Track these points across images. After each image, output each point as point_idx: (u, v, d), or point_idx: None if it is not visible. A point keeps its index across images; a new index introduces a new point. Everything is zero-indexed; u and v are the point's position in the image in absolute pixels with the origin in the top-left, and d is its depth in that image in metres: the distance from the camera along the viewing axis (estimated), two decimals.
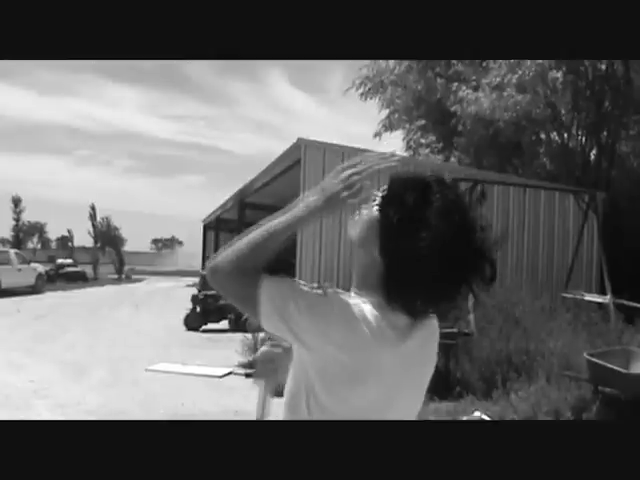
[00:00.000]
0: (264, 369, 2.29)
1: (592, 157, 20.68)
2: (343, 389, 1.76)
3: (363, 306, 1.79)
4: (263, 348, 2.35)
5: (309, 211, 1.82)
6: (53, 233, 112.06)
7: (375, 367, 1.77)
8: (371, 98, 24.02)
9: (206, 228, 42.50)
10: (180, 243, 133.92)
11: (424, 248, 1.73)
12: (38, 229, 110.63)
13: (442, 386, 9.52)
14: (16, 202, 78.86)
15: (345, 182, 1.80)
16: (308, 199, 1.83)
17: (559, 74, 18.37)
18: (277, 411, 1.95)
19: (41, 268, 33.98)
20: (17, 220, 79.46)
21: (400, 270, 1.78)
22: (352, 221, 1.88)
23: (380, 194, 1.85)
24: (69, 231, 69.31)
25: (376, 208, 1.84)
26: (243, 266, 1.77)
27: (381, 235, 1.81)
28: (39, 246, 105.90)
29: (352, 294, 1.88)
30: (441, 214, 1.76)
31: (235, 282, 1.79)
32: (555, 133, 21.32)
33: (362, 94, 23.86)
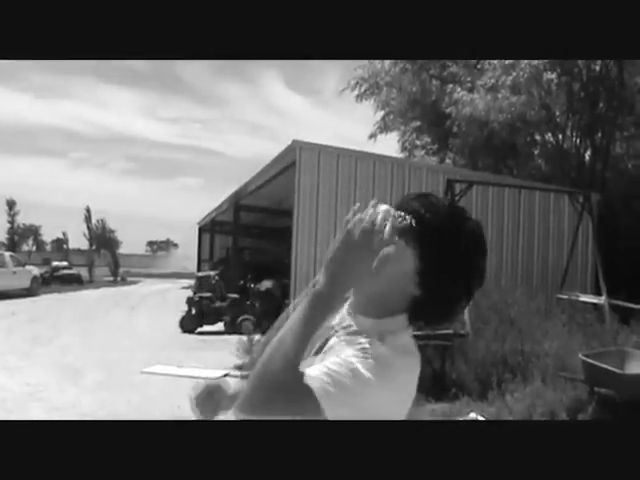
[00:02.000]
0: (206, 405, 2.20)
1: (587, 158, 20.72)
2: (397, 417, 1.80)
3: (396, 338, 1.79)
4: (201, 382, 2.24)
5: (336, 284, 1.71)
6: (48, 236, 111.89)
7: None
8: (366, 99, 24.06)
9: (201, 230, 42.42)
10: (175, 245, 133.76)
11: (465, 276, 1.80)
12: (33, 232, 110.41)
13: (438, 387, 9.54)
14: (10, 205, 78.93)
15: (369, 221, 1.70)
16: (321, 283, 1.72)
17: (553, 75, 18.41)
18: None
19: (36, 271, 33.93)
20: (12, 223, 79.56)
21: (439, 297, 1.81)
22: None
23: (405, 225, 1.74)
24: (64, 234, 69.36)
25: (403, 241, 1.74)
26: (285, 385, 1.63)
27: (423, 269, 1.76)
28: (34, 249, 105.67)
29: (347, 312, 1.91)
30: (473, 241, 1.81)
31: (281, 399, 1.65)
32: (550, 134, 21.36)
33: (357, 95, 23.91)
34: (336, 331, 1.91)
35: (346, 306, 1.92)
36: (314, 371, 1.67)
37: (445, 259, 1.75)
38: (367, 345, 1.74)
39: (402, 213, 1.75)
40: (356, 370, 1.66)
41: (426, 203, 1.79)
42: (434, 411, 8.60)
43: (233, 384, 2.13)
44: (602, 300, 13.17)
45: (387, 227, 1.68)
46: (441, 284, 1.77)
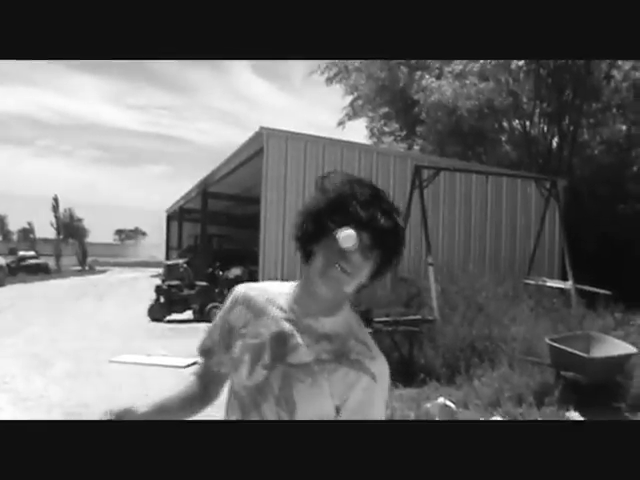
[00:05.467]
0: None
1: (554, 145, 20.89)
2: None
3: (366, 334, 2.00)
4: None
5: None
6: (14, 225, 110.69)
7: None
8: (336, 83, 24.16)
9: (170, 218, 42.18)
10: (144, 234, 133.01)
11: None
12: None
13: (406, 373, 9.58)
14: None
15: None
16: None
17: (521, 63, 18.53)
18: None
19: (2, 260, 33.61)
20: None
21: (380, 277, 1.93)
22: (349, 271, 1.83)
23: (367, 245, 1.82)
24: (29, 223, 68.67)
25: (367, 257, 1.83)
26: None
27: (378, 266, 1.88)
28: (0, 238, 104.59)
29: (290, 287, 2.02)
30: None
31: None
32: (517, 121, 21.51)
33: (327, 78, 23.99)
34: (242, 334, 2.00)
35: (278, 309, 1.98)
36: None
37: (396, 253, 1.89)
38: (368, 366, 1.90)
39: (362, 234, 1.81)
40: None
41: (380, 211, 1.84)
42: (402, 396, 8.64)
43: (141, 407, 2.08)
44: (568, 285, 13.31)
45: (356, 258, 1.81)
46: (387, 270, 1.91)
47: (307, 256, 1.92)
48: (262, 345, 1.92)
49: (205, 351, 2.16)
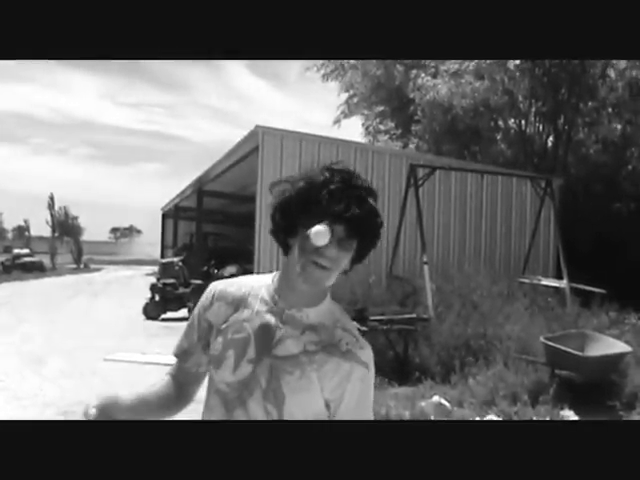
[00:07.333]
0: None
1: (549, 144, 20.89)
2: None
3: (347, 319, 1.99)
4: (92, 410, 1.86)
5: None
6: (9, 223, 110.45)
7: None
8: (332, 80, 24.17)
9: (165, 217, 42.07)
10: (139, 232, 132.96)
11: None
12: None
13: (401, 371, 9.58)
14: None
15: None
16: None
17: (517, 61, 18.52)
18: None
19: None
20: None
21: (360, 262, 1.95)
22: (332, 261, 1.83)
23: (345, 237, 1.82)
24: (25, 221, 68.57)
25: (346, 249, 1.84)
26: None
27: (358, 253, 1.89)
28: None
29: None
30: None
31: None
32: (513, 120, 21.49)
33: (323, 75, 23.99)
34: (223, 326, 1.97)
35: (259, 302, 1.95)
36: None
37: (374, 238, 1.89)
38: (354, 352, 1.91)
39: (343, 229, 1.81)
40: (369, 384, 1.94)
41: (353, 199, 1.83)
42: (397, 395, 8.64)
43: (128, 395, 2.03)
44: (563, 284, 13.32)
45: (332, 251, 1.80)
46: (367, 254, 1.92)
47: (286, 248, 1.91)
48: (246, 339, 1.89)
49: (181, 353, 2.10)
